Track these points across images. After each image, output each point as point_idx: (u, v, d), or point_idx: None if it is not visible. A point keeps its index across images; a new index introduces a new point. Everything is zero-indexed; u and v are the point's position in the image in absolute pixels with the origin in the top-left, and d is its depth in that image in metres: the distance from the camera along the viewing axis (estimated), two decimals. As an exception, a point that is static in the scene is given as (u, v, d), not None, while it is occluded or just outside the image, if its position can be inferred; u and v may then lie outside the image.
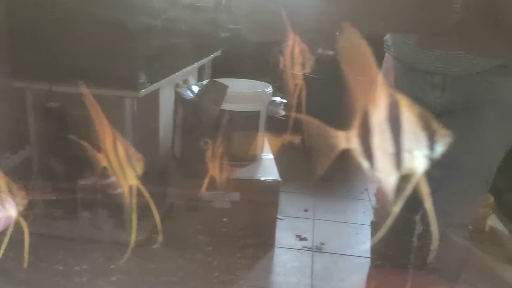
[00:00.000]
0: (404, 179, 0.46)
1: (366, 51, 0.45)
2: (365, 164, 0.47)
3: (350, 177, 2.57)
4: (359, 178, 2.53)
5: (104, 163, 0.55)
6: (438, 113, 1.17)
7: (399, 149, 0.45)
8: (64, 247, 1.64)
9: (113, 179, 1.87)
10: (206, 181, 0.96)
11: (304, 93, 0.73)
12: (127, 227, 1.81)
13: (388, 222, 0.48)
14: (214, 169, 1.00)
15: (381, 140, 0.45)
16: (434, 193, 1.22)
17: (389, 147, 0.43)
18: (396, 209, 0.47)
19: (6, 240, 0.66)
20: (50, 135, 1.73)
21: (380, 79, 0.44)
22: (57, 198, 1.73)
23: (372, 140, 0.45)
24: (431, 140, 0.47)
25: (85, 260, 1.58)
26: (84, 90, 0.55)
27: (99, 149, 0.55)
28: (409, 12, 1.12)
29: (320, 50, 3.40)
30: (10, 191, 0.61)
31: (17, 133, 1.71)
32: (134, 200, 0.56)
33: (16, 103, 1.68)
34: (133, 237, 0.60)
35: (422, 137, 0.44)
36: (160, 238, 0.68)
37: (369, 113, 0.45)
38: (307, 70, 0.72)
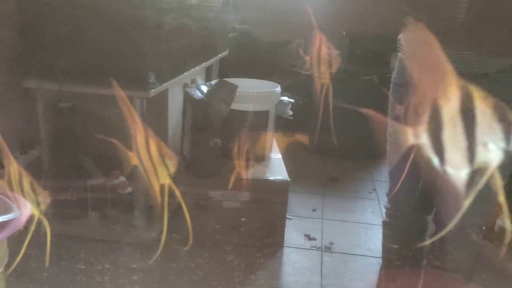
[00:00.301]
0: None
1: (434, 44, 0.45)
2: (434, 159, 0.47)
3: (357, 177, 2.57)
4: (366, 178, 2.53)
5: (135, 161, 0.55)
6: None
7: (473, 142, 0.44)
8: (80, 247, 1.64)
9: (122, 179, 1.86)
10: (232, 178, 0.95)
11: (330, 93, 0.73)
12: (155, 226, 1.81)
13: (447, 229, 0.48)
14: (240, 167, 1.00)
15: (453, 134, 0.44)
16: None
17: (462, 141, 0.43)
18: (466, 202, 0.46)
19: (27, 239, 0.66)
20: (61, 135, 1.74)
21: (450, 71, 0.44)
22: (67, 198, 1.74)
23: (444, 135, 0.45)
24: (508, 132, 0.46)
25: (107, 259, 1.58)
26: (116, 88, 0.55)
27: (129, 147, 0.55)
28: (419, 11, 1.11)
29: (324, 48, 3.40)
30: (33, 190, 0.62)
31: (27, 133, 1.71)
32: (166, 199, 0.55)
33: (26, 103, 1.69)
34: (164, 235, 0.60)
35: (497, 129, 0.43)
36: (190, 239, 0.67)
37: (439, 107, 0.45)
38: (334, 69, 0.72)
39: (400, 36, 1.25)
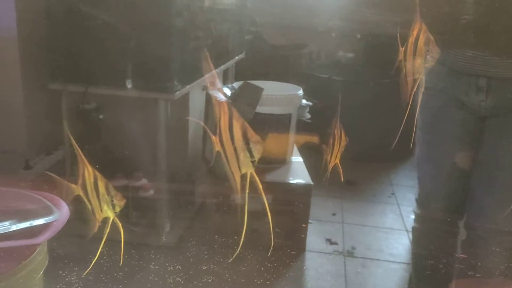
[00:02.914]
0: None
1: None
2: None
3: (375, 181, 2.55)
4: (385, 182, 2.51)
5: (218, 147, 0.51)
6: (482, 116, 1.15)
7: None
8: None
9: (145, 180, 1.86)
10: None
11: (422, 89, 0.68)
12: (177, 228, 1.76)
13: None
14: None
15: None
16: (480, 198, 1.20)
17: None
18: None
19: (103, 240, 0.66)
20: (84, 136, 1.74)
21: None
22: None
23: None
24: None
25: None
26: (207, 59, 0.53)
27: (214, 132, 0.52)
28: (439, 13, 1.10)
29: (340, 53, 3.39)
30: (108, 192, 0.61)
31: (52, 135, 1.72)
32: (247, 190, 0.52)
33: (51, 104, 1.69)
34: (244, 228, 0.56)
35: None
36: (271, 240, 0.64)
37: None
38: (430, 64, 0.66)
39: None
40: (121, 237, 0.65)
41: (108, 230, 0.64)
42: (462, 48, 1.12)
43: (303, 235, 1.79)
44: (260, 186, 0.50)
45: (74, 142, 0.61)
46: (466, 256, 1.20)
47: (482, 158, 1.15)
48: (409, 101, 0.70)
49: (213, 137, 0.51)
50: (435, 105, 1.20)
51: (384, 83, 2.78)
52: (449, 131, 1.19)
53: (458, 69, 1.14)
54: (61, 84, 1.62)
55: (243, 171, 0.51)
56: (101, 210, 0.62)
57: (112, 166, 1.80)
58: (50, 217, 0.85)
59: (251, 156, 0.50)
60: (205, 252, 1.59)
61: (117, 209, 0.62)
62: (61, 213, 0.86)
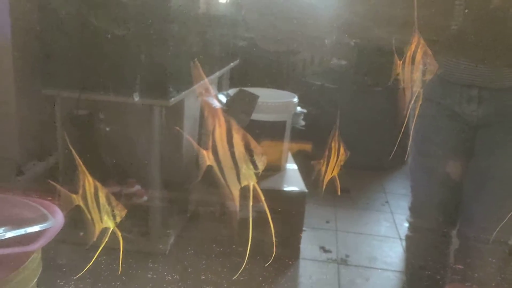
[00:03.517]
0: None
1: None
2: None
3: (369, 189, 2.56)
4: (378, 190, 2.52)
5: (209, 161, 0.50)
6: (474, 126, 1.17)
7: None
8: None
9: (138, 187, 1.85)
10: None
11: (420, 102, 0.69)
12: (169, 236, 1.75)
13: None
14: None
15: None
16: (472, 207, 1.21)
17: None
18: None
19: (99, 249, 0.65)
20: (78, 142, 1.73)
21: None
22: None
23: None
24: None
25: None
26: (196, 68, 0.52)
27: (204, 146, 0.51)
28: (432, 23, 1.12)
29: (334, 60, 3.41)
30: (109, 203, 0.61)
31: (45, 140, 1.71)
32: (251, 202, 0.50)
33: (45, 110, 1.68)
34: (250, 239, 0.55)
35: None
36: (274, 247, 0.63)
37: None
38: (427, 77, 0.67)
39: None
40: (120, 247, 0.64)
41: (106, 240, 0.64)
42: (453, 58, 1.13)
43: (297, 243, 1.79)
44: (263, 198, 0.50)
45: (75, 153, 0.61)
46: (462, 267, 1.21)
47: (474, 167, 1.17)
48: (407, 113, 0.71)
49: (204, 152, 0.50)
50: (427, 114, 1.22)
51: (377, 91, 2.80)
52: (442, 140, 1.20)
53: (451, 79, 1.16)
54: (54, 90, 1.62)
55: (244, 183, 0.49)
56: (101, 221, 0.62)
57: (106, 172, 1.79)
58: (45, 224, 0.84)
59: (255, 167, 0.48)
60: (203, 262, 1.58)
61: (118, 219, 0.62)
62: (56, 220, 0.85)
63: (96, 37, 1.56)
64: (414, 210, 1.30)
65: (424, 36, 1.21)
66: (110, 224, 0.63)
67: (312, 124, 2.40)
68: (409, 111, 0.71)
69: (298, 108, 2.50)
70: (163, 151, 1.72)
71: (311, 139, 2.74)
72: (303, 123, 2.51)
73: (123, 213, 0.62)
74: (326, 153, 0.81)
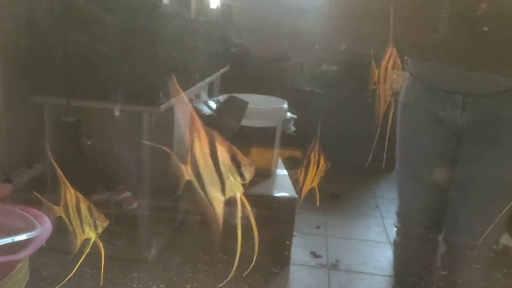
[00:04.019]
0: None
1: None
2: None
3: (358, 194, 2.58)
4: (368, 195, 2.54)
5: (188, 176, 0.50)
6: (459, 132, 1.18)
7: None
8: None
9: (128, 194, 1.84)
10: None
11: (392, 112, 0.71)
12: (157, 243, 1.73)
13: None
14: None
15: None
16: (457, 212, 1.23)
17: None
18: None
19: (81, 260, 0.65)
20: (66, 149, 1.72)
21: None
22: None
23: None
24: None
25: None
26: (174, 85, 0.51)
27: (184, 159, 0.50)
28: (417, 29, 1.13)
29: (324, 66, 3.44)
30: (91, 214, 0.61)
31: (33, 147, 1.69)
32: (240, 213, 0.50)
33: (33, 117, 1.67)
34: (238, 250, 0.54)
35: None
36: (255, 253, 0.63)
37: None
38: (395, 86, 0.70)
39: (406, 57, 1.27)
40: (102, 257, 0.64)
41: (88, 251, 0.64)
42: (437, 64, 1.15)
43: (287, 248, 1.79)
44: (249, 208, 0.49)
45: (56, 165, 0.61)
46: (446, 273, 1.22)
47: (459, 172, 1.18)
48: (380, 120, 0.74)
49: (182, 166, 0.50)
50: (413, 120, 1.23)
51: (367, 97, 2.82)
52: (427, 146, 1.22)
53: (435, 85, 1.17)
54: (43, 97, 1.61)
55: (230, 195, 0.49)
56: (83, 232, 0.62)
57: (95, 179, 1.78)
58: (32, 233, 0.83)
59: (243, 179, 0.49)
60: (189, 271, 1.57)
61: (100, 230, 0.62)
62: (44, 228, 0.84)
63: (85, 43, 1.56)
64: (401, 215, 1.31)
65: (408, 42, 1.22)
66: (91, 235, 0.63)
67: (304, 130, 2.42)
68: (382, 117, 0.73)
69: (289, 114, 2.52)
70: (153, 157, 1.72)
71: (302, 145, 2.77)
72: (293, 128, 2.53)
73: (105, 224, 0.63)
74: (305, 163, 0.82)
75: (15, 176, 1.62)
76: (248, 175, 0.48)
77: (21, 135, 1.67)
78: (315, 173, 0.75)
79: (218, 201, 0.48)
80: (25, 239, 0.82)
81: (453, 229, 1.22)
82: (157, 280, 1.56)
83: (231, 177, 0.48)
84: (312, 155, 0.77)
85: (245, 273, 0.61)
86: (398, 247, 1.34)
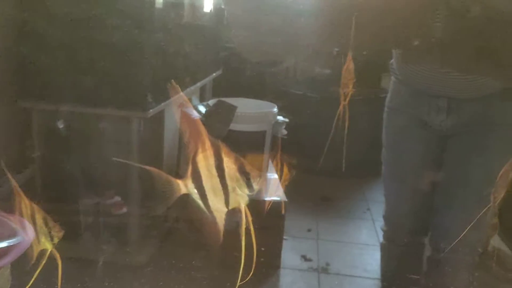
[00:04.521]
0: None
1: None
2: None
3: (350, 197, 2.58)
4: (360, 198, 2.54)
5: (183, 190, 0.49)
6: (443, 135, 1.19)
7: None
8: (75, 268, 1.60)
9: (117, 199, 1.83)
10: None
11: (347, 115, 0.72)
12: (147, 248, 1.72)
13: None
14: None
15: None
16: (442, 215, 1.23)
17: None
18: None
19: (37, 271, 0.65)
20: (55, 155, 1.72)
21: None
22: (60, 218, 1.71)
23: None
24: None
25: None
26: (174, 89, 0.50)
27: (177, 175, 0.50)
28: (406, 31, 1.14)
29: (317, 70, 3.45)
30: (46, 224, 0.61)
31: (21, 153, 1.69)
32: (244, 223, 0.49)
33: (21, 122, 1.67)
34: (242, 260, 0.53)
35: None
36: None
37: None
38: (344, 90, 0.71)
39: (392, 61, 1.28)
40: (59, 269, 0.64)
41: (44, 262, 0.64)
42: (422, 68, 1.16)
43: (277, 252, 1.80)
44: (250, 219, 0.50)
45: (10, 176, 0.61)
46: (418, 277, 1.23)
47: (444, 175, 1.19)
48: (335, 123, 0.76)
49: (178, 181, 0.49)
50: (398, 124, 1.24)
51: (358, 100, 2.83)
52: (412, 149, 1.22)
53: (420, 90, 1.18)
54: (31, 102, 1.61)
55: (234, 206, 0.50)
56: (39, 242, 0.62)
57: (84, 184, 1.78)
58: (14, 240, 0.83)
59: (251, 190, 0.49)
60: (180, 276, 1.57)
61: (56, 241, 0.62)
62: (26, 235, 0.84)
63: (74, 48, 1.56)
64: (388, 218, 1.32)
65: (393, 47, 1.23)
66: (47, 245, 0.63)
67: (296, 133, 2.42)
68: (340, 119, 0.75)
69: (280, 118, 2.52)
70: (142, 162, 1.72)
71: (293, 148, 2.77)
72: (285, 132, 2.53)
73: (60, 234, 0.63)
74: None
75: (3, 182, 1.61)
76: (258, 187, 0.49)
77: (9, 140, 1.66)
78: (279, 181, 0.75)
79: (220, 212, 0.48)
80: (6, 246, 0.82)
81: (439, 232, 1.22)
82: (147, 285, 1.55)
83: (237, 189, 0.48)
84: (274, 163, 0.78)
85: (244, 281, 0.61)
86: (385, 250, 1.35)
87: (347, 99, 0.73)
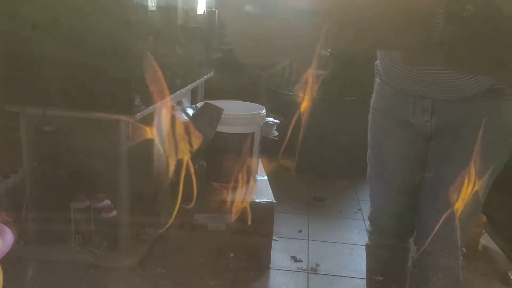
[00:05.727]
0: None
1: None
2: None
3: (342, 197, 2.59)
4: (351, 198, 2.55)
5: (150, 135, 0.61)
6: (428, 136, 1.20)
7: None
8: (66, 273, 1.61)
9: (107, 202, 1.84)
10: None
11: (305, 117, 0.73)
12: (138, 251, 1.74)
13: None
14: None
15: None
16: (426, 216, 1.24)
17: None
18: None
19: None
20: (44, 158, 1.72)
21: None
22: (50, 221, 1.72)
23: None
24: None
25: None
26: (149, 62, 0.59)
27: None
28: (395, 32, 1.14)
29: (311, 70, 3.45)
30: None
31: (10, 157, 1.69)
32: (183, 173, 0.61)
33: (9, 126, 1.67)
34: (177, 206, 0.63)
35: None
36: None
37: None
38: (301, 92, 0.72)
39: (377, 62, 1.28)
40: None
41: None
42: (406, 70, 1.16)
43: (267, 253, 1.80)
44: (193, 169, 0.62)
45: None
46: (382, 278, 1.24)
47: (428, 176, 1.19)
48: (292, 122, 0.77)
49: (147, 128, 0.62)
50: (383, 125, 1.24)
51: (350, 101, 2.84)
52: (397, 150, 1.23)
53: (404, 91, 1.18)
54: (19, 106, 1.61)
55: (180, 156, 0.61)
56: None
57: (74, 188, 1.78)
58: (-9, 245, 0.84)
59: (191, 146, 0.61)
60: (170, 279, 1.57)
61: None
62: (5, 240, 0.85)
63: (61, 51, 1.56)
64: (373, 219, 1.32)
65: (380, 48, 1.23)
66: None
67: (286, 134, 2.43)
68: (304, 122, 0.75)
69: (271, 119, 2.53)
70: (132, 164, 1.72)
71: (284, 149, 2.77)
72: (276, 133, 2.54)
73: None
74: (231, 184, 0.83)
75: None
76: (195, 144, 0.61)
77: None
78: (245, 192, 0.77)
79: (172, 159, 0.62)
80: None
81: (423, 232, 1.23)
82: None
83: (182, 143, 0.61)
84: (240, 176, 0.79)
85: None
86: (370, 250, 1.35)
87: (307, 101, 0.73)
